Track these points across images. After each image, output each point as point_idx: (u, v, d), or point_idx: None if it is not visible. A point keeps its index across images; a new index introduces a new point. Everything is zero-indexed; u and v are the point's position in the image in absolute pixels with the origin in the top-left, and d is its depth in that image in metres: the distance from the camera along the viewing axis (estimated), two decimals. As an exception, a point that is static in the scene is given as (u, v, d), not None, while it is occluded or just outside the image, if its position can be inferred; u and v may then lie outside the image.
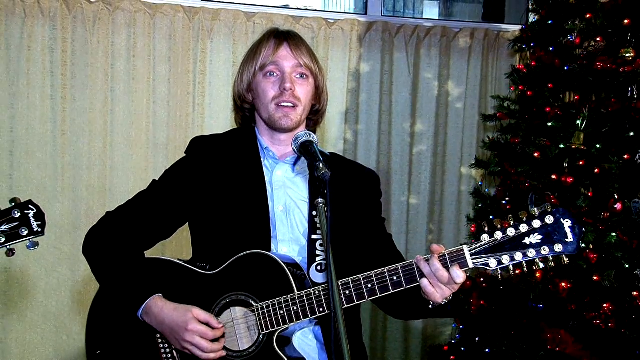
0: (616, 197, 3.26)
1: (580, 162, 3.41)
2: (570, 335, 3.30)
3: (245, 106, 2.38)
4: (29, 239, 1.99)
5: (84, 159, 4.33)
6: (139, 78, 4.38)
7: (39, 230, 2.00)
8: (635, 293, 3.19)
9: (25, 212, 1.98)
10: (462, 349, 4.02)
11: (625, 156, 3.28)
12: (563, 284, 3.36)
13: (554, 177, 3.49)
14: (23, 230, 1.97)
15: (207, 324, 2.10)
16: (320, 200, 1.80)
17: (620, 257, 3.18)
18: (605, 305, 3.25)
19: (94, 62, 4.31)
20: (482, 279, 3.93)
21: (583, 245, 1.91)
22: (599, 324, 3.26)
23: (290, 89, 2.23)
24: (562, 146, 3.47)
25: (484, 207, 4.04)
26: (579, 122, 3.45)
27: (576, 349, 3.25)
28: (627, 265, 3.19)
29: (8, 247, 1.97)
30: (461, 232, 4.85)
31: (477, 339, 3.88)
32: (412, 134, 4.83)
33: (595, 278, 3.24)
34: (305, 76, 2.28)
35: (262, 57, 2.28)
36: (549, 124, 3.57)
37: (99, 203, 4.33)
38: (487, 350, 3.74)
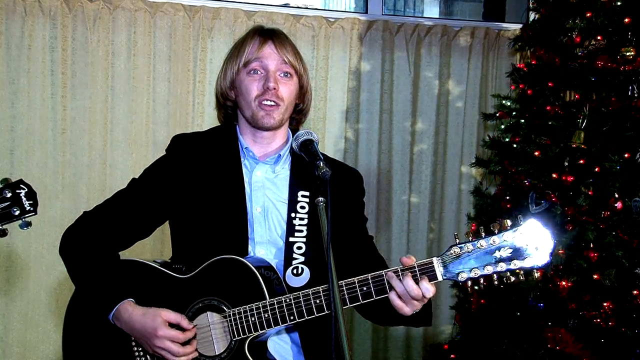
0: (616, 196, 3.26)
1: (581, 161, 3.41)
2: (571, 334, 3.30)
3: (228, 103, 2.34)
4: (21, 219, 1.97)
5: (84, 158, 4.33)
6: (139, 77, 4.38)
7: (31, 209, 1.97)
8: (635, 292, 3.19)
9: (17, 191, 1.95)
10: (463, 347, 4.02)
11: (626, 155, 3.28)
12: (563, 283, 3.36)
13: (554, 176, 3.49)
14: (15, 210, 1.94)
15: (178, 326, 2.08)
16: (320, 198, 1.79)
17: (620, 256, 3.18)
18: (605, 304, 3.25)
19: (94, 60, 4.31)
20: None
21: (549, 260, 1.87)
22: (599, 323, 3.26)
23: (274, 88, 2.19)
24: (562, 145, 3.47)
25: (485, 205, 4.03)
26: (579, 121, 3.45)
27: (576, 347, 3.25)
28: (627, 264, 3.19)
29: (1, 227, 1.95)
30: (461, 230, 4.85)
31: (477, 338, 3.88)
32: (413, 133, 4.82)
33: (595, 277, 3.24)
34: (289, 75, 2.25)
35: (246, 54, 2.24)
36: (550, 123, 3.56)
37: (98, 201, 4.25)
38: (487, 349, 3.73)
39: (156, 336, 2.06)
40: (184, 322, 2.09)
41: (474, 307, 3.92)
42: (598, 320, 3.26)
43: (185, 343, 2.09)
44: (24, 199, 1.97)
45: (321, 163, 1.84)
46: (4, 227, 1.95)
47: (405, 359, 4.89)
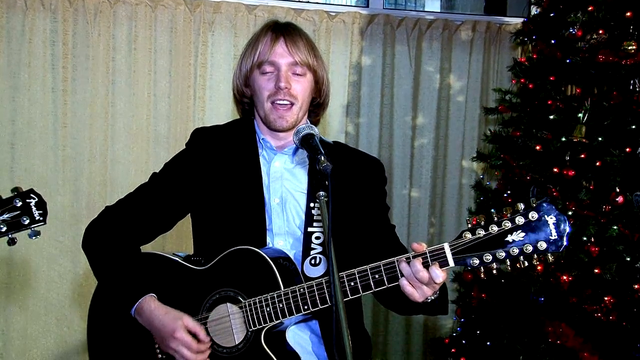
0: (618, 190, 3.25)
1: (582, 155, 3.41)
2: (571, 329, 3.30)
3: (245, 100, 2.36)
4: (30, 228, 1.98)
5: (85, 152, 4.34)
6: (139, 71, 4.38)
7: (41, 219, 1.98)
8: (636, 286, 3.19)
9: (27, 200, 1.96)
10: (463, 341, 4.02)
11: (627, 149, 3.27)
12: (564, 277, 3.36)
13: (555, 170, 3.49)
14: (24, 219, 1.95)
15: (195, 335, 2.10)
16: (321, 193, 1.78)
17: (621, 250, 3.18)
18: (606, 298, 3.25)
19: (95, 55, 4.31)
20: (481, 276, 3.92)
21: (564, 247, 1.82)
22: (600, 317, 3.26)
23: (286, 88, 2.19)
24: (563, 139, 3.47)
25: (485, 200, 4.04)
26: (580, 115, 3.44)
27: (577, 342, 3.25)
28: (628, 259, 3.19)
29: (10, 236, 1.95)
30: (462, 225, 4.85)
31: (478, 332, 3.89)
32: (414, 127, 4.82)
33: (596, 271, 3.24)
34: (302, 73, 2.24)
35: (259, 54, 2.23)
36: (551, 117, 3.56)
37: (99, 196, 4.34)
38: (488, 343, 3.74)
39: (173, 337, 2.08)
40: (202, 334, 2.11)
41: (474, 302, 3.92)
42: (599, 314, 3.26)
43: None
44: (33, 208, 1.98)
45: (322, 157, 1.82)
46: (14, 235, 1.96)
47: (406, 353, 4.90)
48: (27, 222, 1.96)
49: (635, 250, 3.18)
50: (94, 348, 2.34)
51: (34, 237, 2.00)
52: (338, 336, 1.65)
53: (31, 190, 1.99)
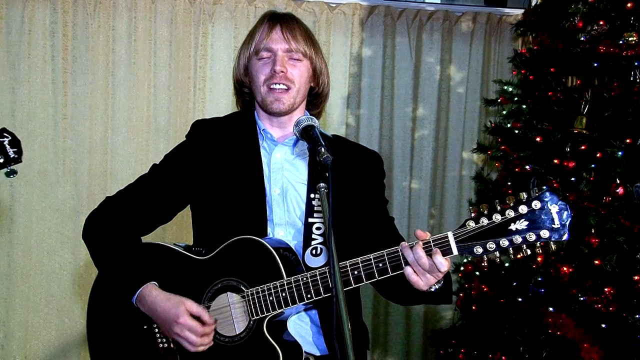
0: (618, 181, 3.25)
1: (583, 147, 3.40)
2: (572, 320, 3.31)
3: (245, 90, 2.36)
4: (6, 167, 1.94)
5: (85, 143, 4.34)
6: (139, 62, 4.37)
7: (16, 156, 1.94)
8: (636, 277, 3.19)
9: (0, 140, 1.93)
10: (463, 332, 4.03)
11: (628, 140, 3.27)
12: (564, 269, 3.37)
13: (556, 161, 3.48)
14: None
15: (199, 318, 2.10)
16: (322, 184, 1.78)
17: (621, 241, 3.18)
18: (606, 289, 3.26)
19: (95, 46, 4.31)
20: (483, 263, 3.92)
21: (567, 236, 1.82)
22: (600, 309, 3.27)
23: (282, 71, 2.20)
24: (564, 130, 3.47)
25: (486, 191, 4.03)
26: (581, 106, 3.44)
27: (577, 333, 3.25)
28: (628, 250, 3.19)
29: None
30: (462, 216, 4.85)
31: (478, 323, 3.89)
32: (414, 119, 4.82)
33: (596, 262, 3.25)
34: (298, 58, 2.25)
35: (256, 42, 2.26)
36: (552, 109, 3.56)
37: (100, 187, 4.34)
38: (488, 334, 3.74)
39: (176, 323, 2.08)
40: (205, 316, 2.11)
41: (475, 293, 3.92)
42: (599, 305, 3.27)
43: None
44: (7, 147, 1.93)
45: (322, 149, 1.83)
46: None
47: (406, 344, 4.92)
48: (1, 160, 1.91)
49: (636, 241, 3.18)
50: (94, 338, 2.34)
51: (11, 176, 1.96)
52: (338, 325, 1.66)
53: (3, 129, 1.94)
